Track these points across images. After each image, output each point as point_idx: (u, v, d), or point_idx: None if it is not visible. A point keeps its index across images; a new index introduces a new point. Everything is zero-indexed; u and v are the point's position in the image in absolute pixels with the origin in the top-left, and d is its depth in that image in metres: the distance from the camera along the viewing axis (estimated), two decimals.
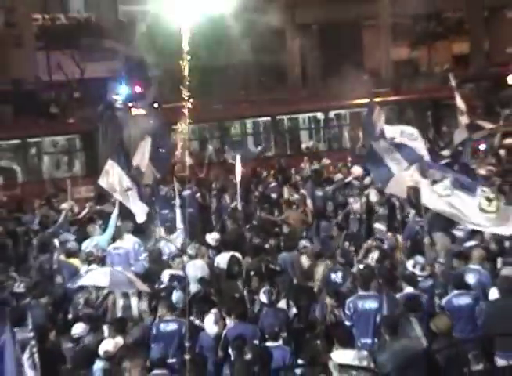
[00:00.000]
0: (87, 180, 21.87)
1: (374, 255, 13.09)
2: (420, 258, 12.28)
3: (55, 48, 50.17)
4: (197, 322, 11.28)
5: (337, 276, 12.62)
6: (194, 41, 9.08)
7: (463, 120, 19.60)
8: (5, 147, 24.20)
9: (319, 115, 27.78)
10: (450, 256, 12.85)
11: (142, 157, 17.44)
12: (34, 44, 51.84)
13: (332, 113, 27.68)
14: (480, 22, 50.39)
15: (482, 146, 21.84)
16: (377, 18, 45.30)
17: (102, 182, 16.58)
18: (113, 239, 15.41)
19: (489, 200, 12.17)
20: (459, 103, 19.21)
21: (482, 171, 17.28)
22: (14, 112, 27.64)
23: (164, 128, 19.20)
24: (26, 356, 9.61)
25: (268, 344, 10.18)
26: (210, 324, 10.84)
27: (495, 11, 51.01)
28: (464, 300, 10.97)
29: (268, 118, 27.02)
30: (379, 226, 15.21)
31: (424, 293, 11.32)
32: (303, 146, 27.56)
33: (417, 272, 11.82)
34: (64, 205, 18.93)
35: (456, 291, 11.08)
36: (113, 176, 16.11)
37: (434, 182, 12.95)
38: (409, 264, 12.08)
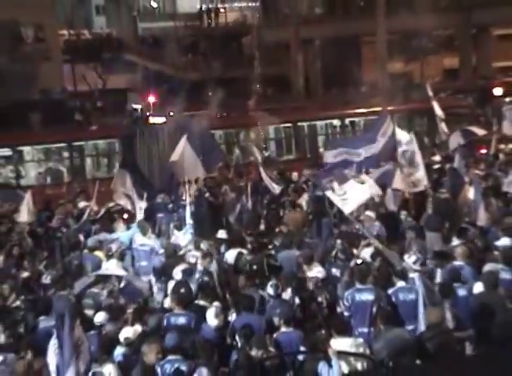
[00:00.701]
0: None
1: (366, 254, 13.02)
2: (419, 254, 12.24)
3: (79, 61, 50.50)
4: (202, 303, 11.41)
5: (337, 271, 12.64)
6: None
7: (443, 127, 19.54)
8: (53, 150, 24.35)
9: (335, 122, 27.79)
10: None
11: (177, 155, 17.75)
12: (61, 57, 52.10)
13: (347, 120, 27.69)
14: (468, 39, 50.45)
15: (483, 151, 21.84)
16: (375, 34, 45.28)
17: (115, 185, 17.07)
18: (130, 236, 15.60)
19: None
20: (438, 111, 19.11)
21: (470, 175, 17.26)
22: (42, 119, 27.72)
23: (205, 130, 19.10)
24: (51, 342, 9.70)
25: (283, 329, 10.18)
26: (211, 317, 10.80)
27: (482, 29, 51.03)
28: (461, 292, 10.94)
29: (290, 124, 27.04)
30: (369, 213, 15.17)
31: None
32: (321, 150, 27.50)
33: (417, 267, 11.77)
34: (82, 203, 19.02)
35: (454, 284, 11.02)
36: (123, 181, 16.63)
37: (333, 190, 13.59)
38: (411, 260, 11.98)
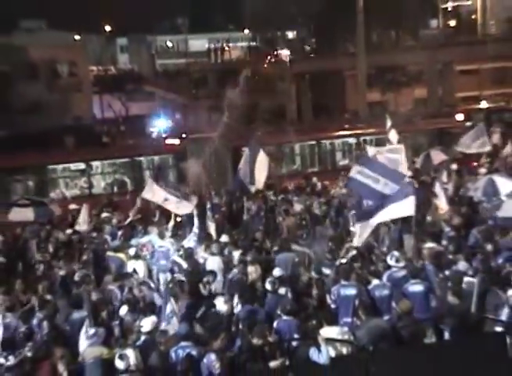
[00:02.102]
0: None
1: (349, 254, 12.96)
2: (395, 252, 12.18)
3: (106, 92, 50.56)
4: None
5: (325, 270, 12.59)
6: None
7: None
8: (119, 164, 24.45)
9: (351, 140, 27.66)
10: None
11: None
12: (91, 89, 52.29)
13: (361, 138, 27.48)
14: (435, 73, 50.52)
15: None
16: (356, 69, 45.33)
17: (147, 195, 16.88)
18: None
19: None
20: (393, 139, 18.74)
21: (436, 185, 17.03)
22: (75, 142, 27.71)
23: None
24: (83, 330, 9.72)
25: (285, 318, 10.13)
26: (221, 303, 10.74)
27: (446, 65, 51.16)
28: (418, 287, 10.91)
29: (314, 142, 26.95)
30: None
31: (393, 283, 11.30)
32: (340, 163, 27.30)
33: (393, 263, 11.72)
34: (104, 214, 18.85)
35: (412, 281, 11.05)
36: (154, 191, 16.54)
37: None
38: (388, 257, 11.96)
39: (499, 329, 9.56)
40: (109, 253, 14.95)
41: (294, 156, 26.94)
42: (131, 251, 14.50)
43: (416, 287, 10.92)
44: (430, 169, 20.24)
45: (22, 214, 17.87)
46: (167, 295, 10.03)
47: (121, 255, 14.59)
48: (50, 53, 48.83)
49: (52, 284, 13.25)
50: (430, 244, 12.79)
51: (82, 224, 16.93)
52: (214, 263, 13.59)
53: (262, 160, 18.06)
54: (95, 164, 23.99)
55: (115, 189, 23.83)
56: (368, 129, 27.16)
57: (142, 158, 24.58)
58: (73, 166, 23.84)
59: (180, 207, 16.19)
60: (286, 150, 26.45)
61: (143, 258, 14.41)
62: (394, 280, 11.29)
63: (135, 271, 13.50)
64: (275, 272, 12.11)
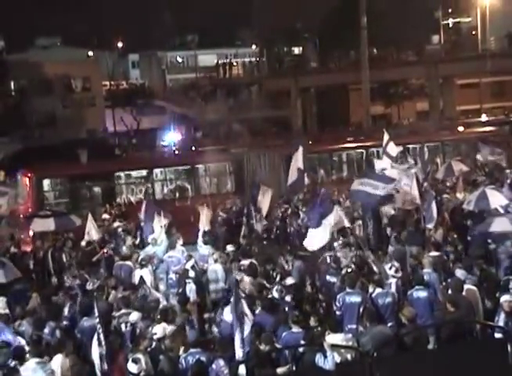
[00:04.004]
0: (235, 194, 22.47)
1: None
2: (395, 263, 12.14)
3: (118, 106, 50.78)
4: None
5: (331, 278, 12.54)
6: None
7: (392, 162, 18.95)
8: (180, 171, 24.51)
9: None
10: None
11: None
12: (103, 103, 52.53)
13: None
14: (436, 87, 50.55)
15: None
16: (360, 83, 45.39)
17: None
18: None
19: None
20: (393, 152, 18.57)
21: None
22: (89, 154, 27.78)
23: None
24: (95, 337, 9.68)
25: (294, 330, 9.93)
26: (227, 313, 10.68)
27: (447, 79, 51.18)
28: (422, 293, 10.90)
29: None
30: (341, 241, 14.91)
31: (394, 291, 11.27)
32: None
33: (392, 273, 11.68)
34: (116, 223, 18.82)
35: (417, 287, 11.04)
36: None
37: None
38: (387, 267, 11.92)
39: (498, 335, 9.50)
40: (119, 262, 14.91)
41: (342, 163, 26.71)
42: (136, 260, 14.46)
43: (420, 293, 10.91)
44: (452, 179, 20.23)
45: (43, 224, 17.86)
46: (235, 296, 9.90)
47: (129, 262, 14.57)
48: (64, 69, 49.21)
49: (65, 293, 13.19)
50: (433, 253, 12.76)
51: (92, 234, 16.85)
52: (213, 272, 13.65)
53: (265, 196, 18.08)
54: (156, 171, 23.94)
55: (177, 194, 23.67)
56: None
57: (200, 166, 24.46)
58: (135, 173, 23.96)
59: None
60: (334, 158, 26.21)
61: (148, 266, 14.31)
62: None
63: (142, 279, 13.44)
64: (288, 281, 12.08)
